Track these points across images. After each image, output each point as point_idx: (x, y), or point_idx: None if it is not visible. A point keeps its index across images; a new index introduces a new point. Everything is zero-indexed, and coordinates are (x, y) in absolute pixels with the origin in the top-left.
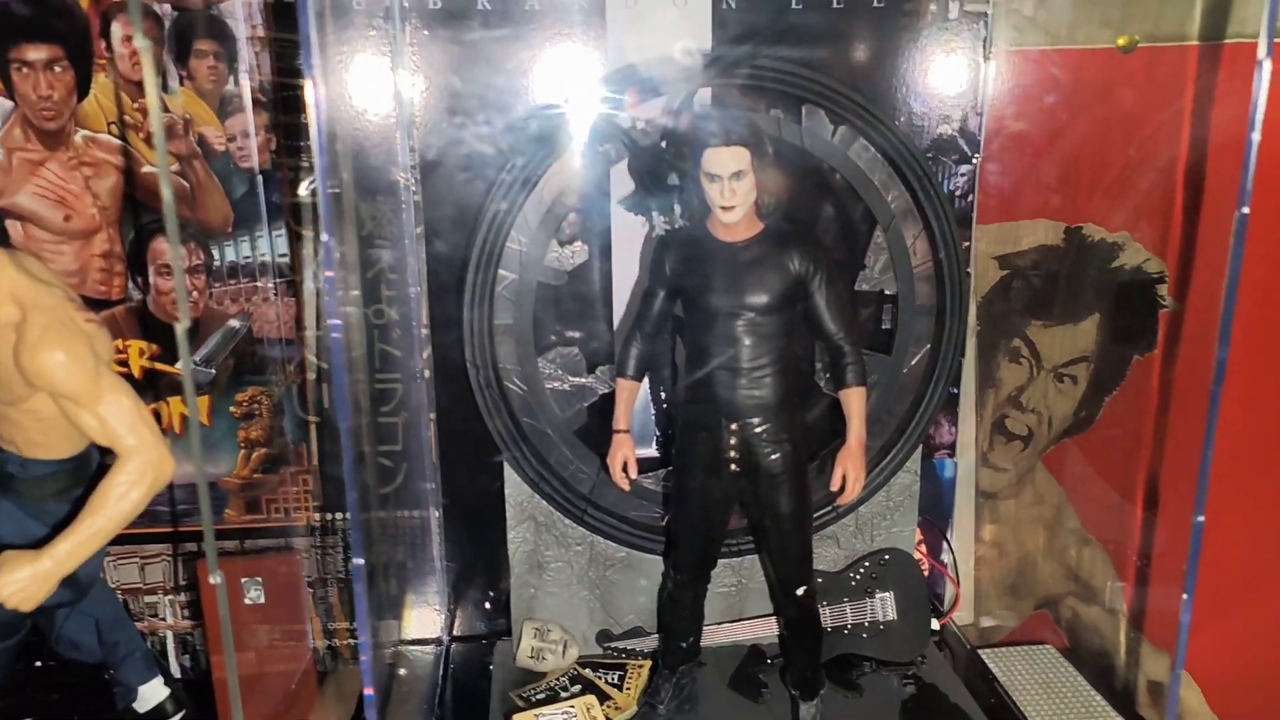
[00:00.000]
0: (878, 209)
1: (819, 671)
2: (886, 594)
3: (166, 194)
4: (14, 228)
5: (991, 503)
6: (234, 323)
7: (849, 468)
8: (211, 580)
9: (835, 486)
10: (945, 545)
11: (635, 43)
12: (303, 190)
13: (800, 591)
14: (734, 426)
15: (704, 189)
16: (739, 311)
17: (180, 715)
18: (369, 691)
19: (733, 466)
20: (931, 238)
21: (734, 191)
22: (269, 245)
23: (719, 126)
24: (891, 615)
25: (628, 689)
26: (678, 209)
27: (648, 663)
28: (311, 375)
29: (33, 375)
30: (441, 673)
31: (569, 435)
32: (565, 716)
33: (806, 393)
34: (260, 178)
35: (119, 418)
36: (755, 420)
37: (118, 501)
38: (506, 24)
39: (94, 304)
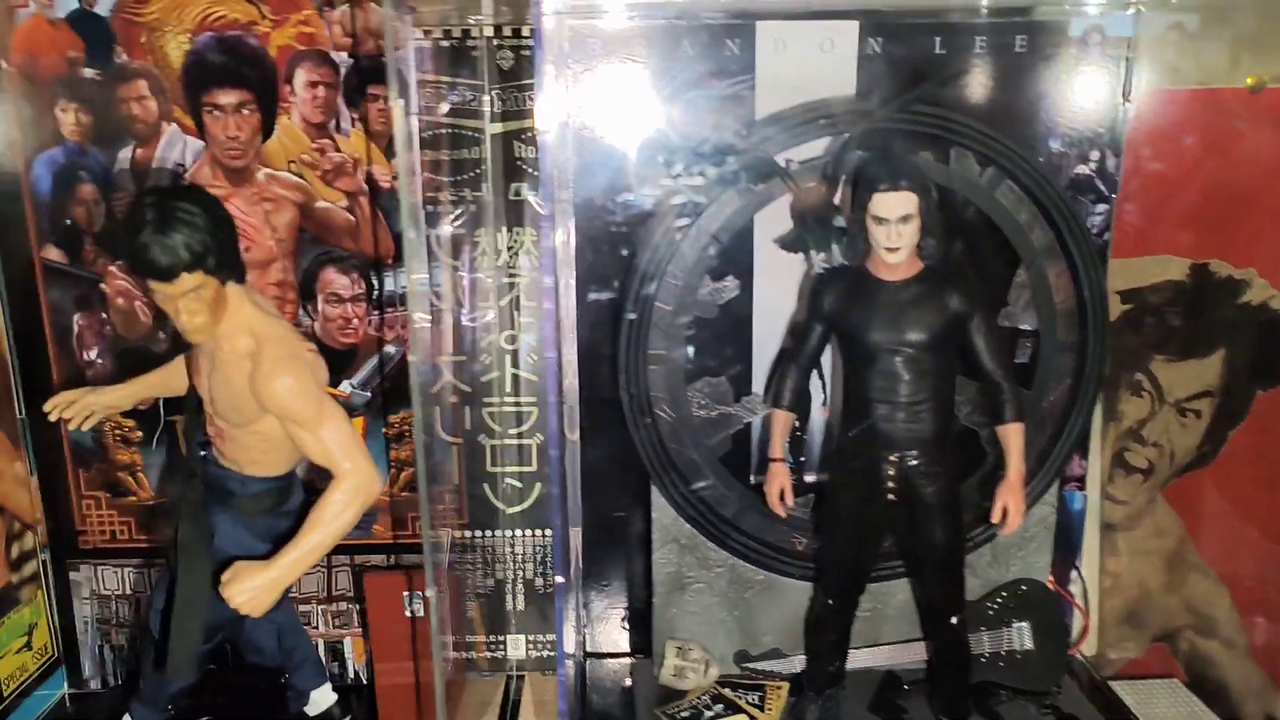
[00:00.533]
0: (1021, 247)
1: (968, 699)
2: (1023, 623)
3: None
4: None
5: (1110, 535)
6: (389, 349)
7: (1009, 500)
8: (427, 594)
9: (996, 519)
10: (1075, 575)
11: (785, 88)
12: (446, 226)
13: (954, 620)
14: (893, 458)
15: (869, 230)
16: (899, 348)
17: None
18: (563, 704)
19: (890, 497)
20: (1075, 275)
21: (900, 234)
22: (429, 275)
23: (888, 171)
24: (1028, 644)
25: (769, 710)
26: (835, 248)
27: (786, 684)
28: (452, 399)
29: (266, 399)
30: (579, 689)
31: (714, 461)
32: None
33: None
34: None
35: (337, 441)
36: (914, 453)
37: (334, 519)
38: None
39: None
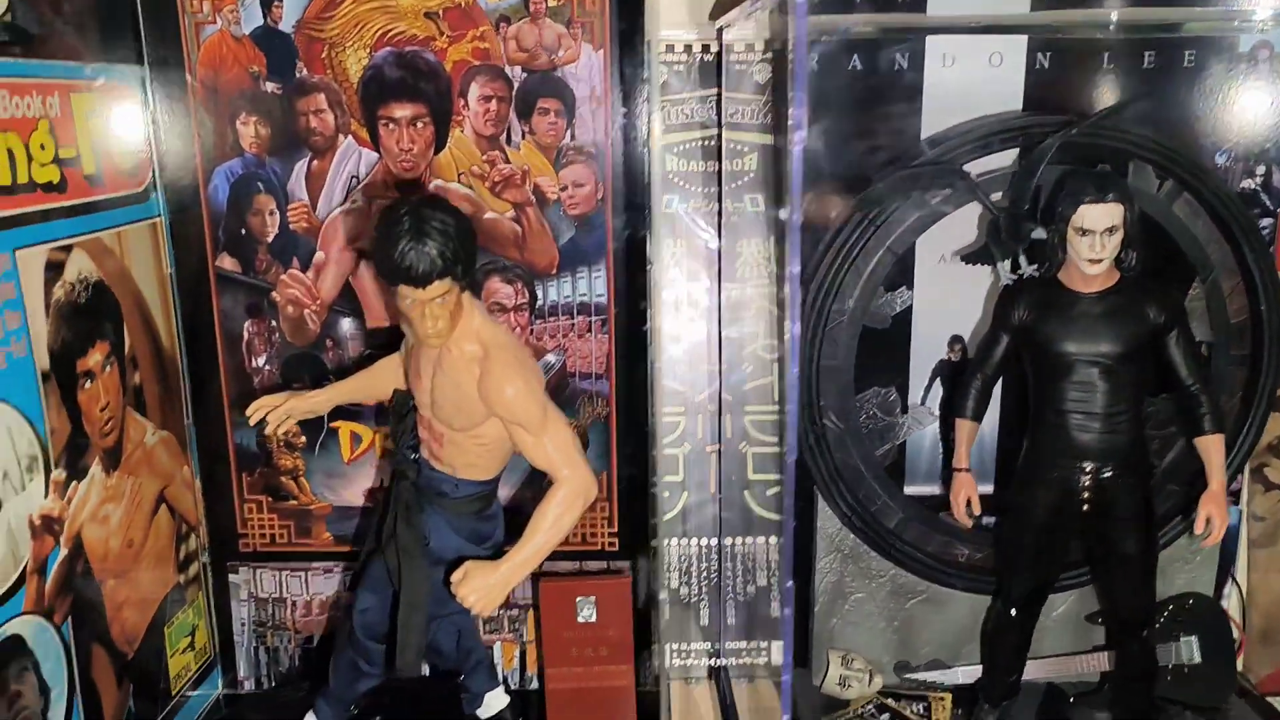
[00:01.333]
0: (1197, 261)
1: (1151, 711)
2: (1191, 638)
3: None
4: (367, 267)
5: (1251, 551)
6: (550, 358)
7: (1213, 511)
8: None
9: (1200, 529)
10: (1232, 589)
11: (952, 102)
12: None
13: (1145, 633)
14: (1088, 469)
15: (1070, 242)
16: (1097, 360)
17: None
18: (786, 714)
19: (1085, 508)
20: (1251, 289)
21: (1104, 245)
22: (588, 285)
23: (1095, 183)
24: (1196, 659)
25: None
26: (1024, 260)
27: (949, 695)
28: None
29: (494, 404)
30: (723, 697)
31: (880, 472)
32: None
33: None
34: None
35: (560, 446)
36: (1110, 464)
37: (555, 522)
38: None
39: None
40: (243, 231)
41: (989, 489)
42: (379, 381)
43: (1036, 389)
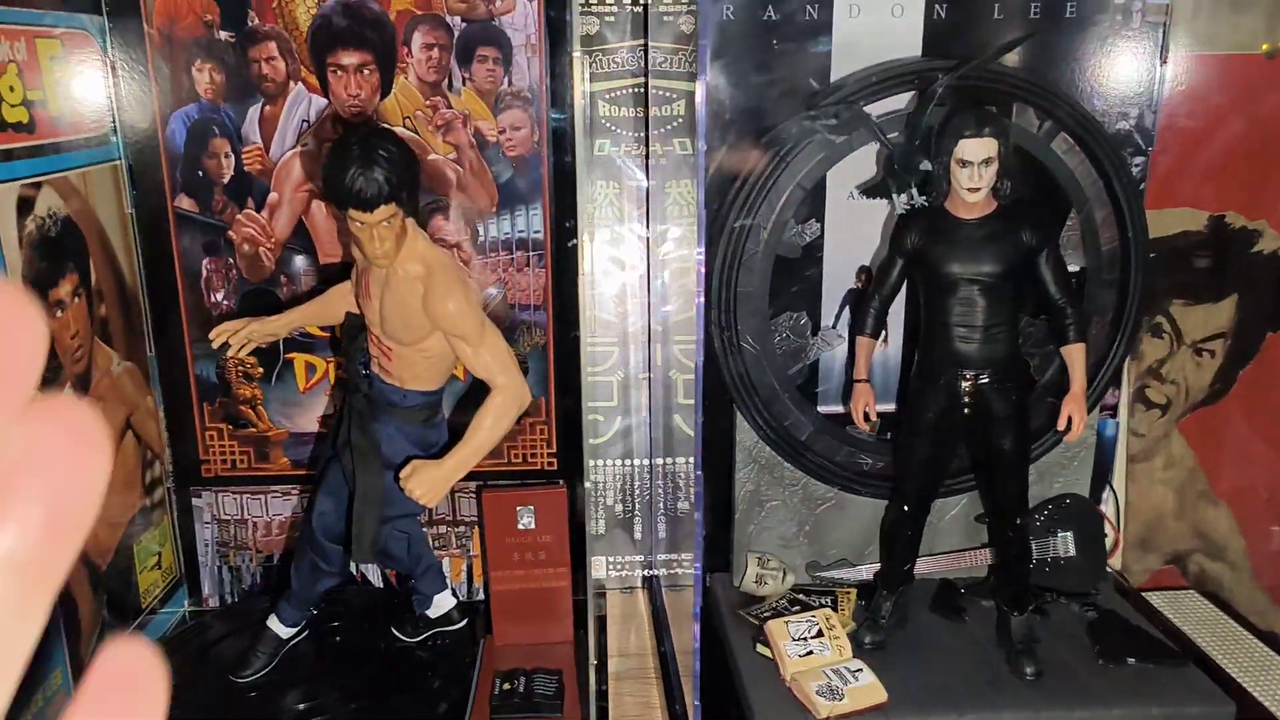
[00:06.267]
0: (1073, 194)
1: (1029, 592)
2: (1067, 533)
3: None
4: (319, 206)
5: (1129, 465)
6: (491, 289)
7: (1074, 410)
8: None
9: (1062, 426)
10: (1109, 494)
11: (858, 49)
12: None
13: (1019, 521)
14: (969, 375)
15: (953, 173)
16: (978, 278)
17: (464, 622)
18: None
19: (965, 411)
20: (1120, 219)
21: (981, 176)
22: (526, 223)
23: (974, 120)
24: (1071, 552)
25: (842, 610)
26: (915, 191)
27: (854, 590)
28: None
29: (438, 318)
30: (655, 601)
31: (793, 390)
32: (809, 624)
33: None
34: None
35: (496, 356)
36: (988, 371)
37: (493, 425)
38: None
39: None
40: (199, 173)
41: (892, 407)
42: (331, 307)
43: (926, 306)
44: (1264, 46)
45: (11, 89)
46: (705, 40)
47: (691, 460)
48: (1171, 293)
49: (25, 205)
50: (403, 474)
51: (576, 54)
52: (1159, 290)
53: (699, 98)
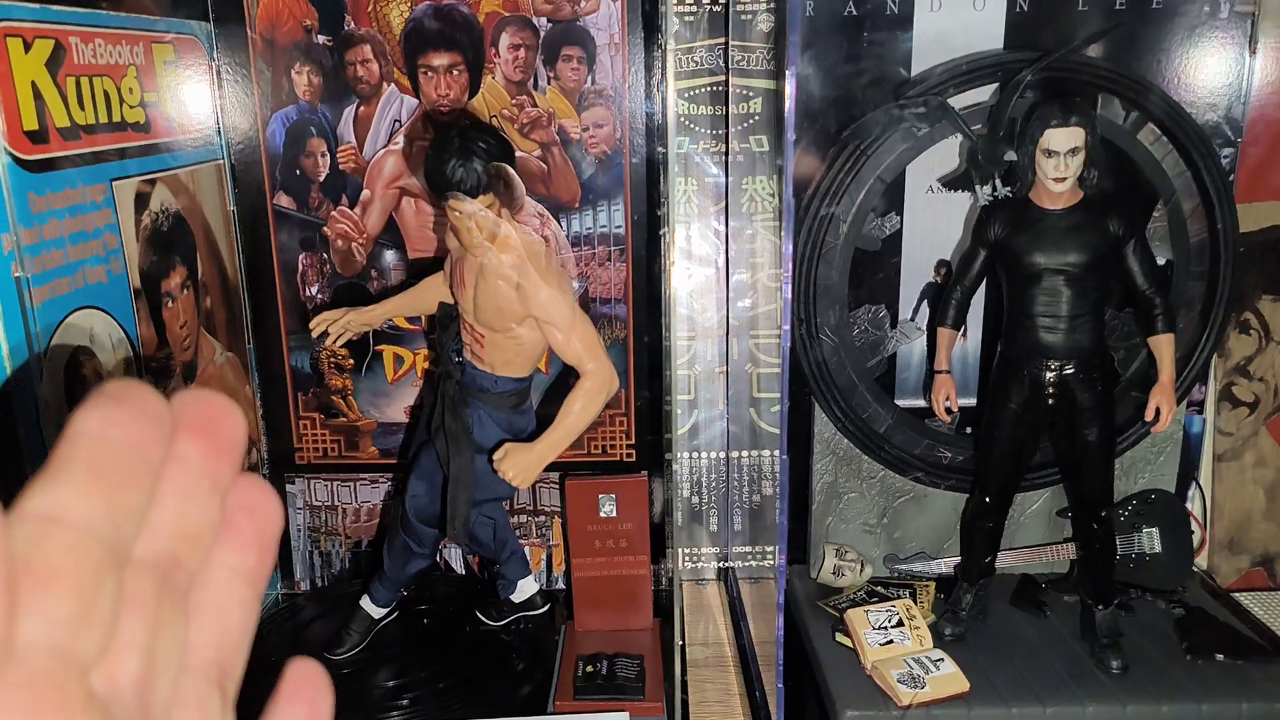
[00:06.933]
0: (1160, 185)
1: (1113, 585)
2: (1152, 529)
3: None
4: (409, 203)
5: (1216, 464)
6: (574, 284)
7: (1162, 401)
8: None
9: (1150, 417)
10: (1195, 492)
11: (940, 42)
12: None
13: (1104, 514)
14: (1054, 365)
15: (1038, 163)
16: (1063, 269)
17: (547, 607)
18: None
19: (1050, 402)
20: (1209, 211)
21: (1068, 165)
22: (608, 218)
23: (1061, 109)
24: (1156, 548)
25: (921, 603)
26: (998, 182)
27: (933, 583)
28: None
29: (530, 305)
30: (731, 593)
31: (871, 382)
32: (889, 613)
33: None
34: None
35: (586, 343)
36: (1073, 362)
37: (583, 409)
38: (834, 28)
39: None
40: (297, 172)
41: (971, 401)
42: (424, 298)
43: (1010, 297)
44: None
45: (130, 90)
46: (795, 36)
47: (768, 454)
48: (1260, 288)
49: (141, 201)
50: (496, 456)
51: (671, 48)
52: (1247, 285)
53: (789, 90)
